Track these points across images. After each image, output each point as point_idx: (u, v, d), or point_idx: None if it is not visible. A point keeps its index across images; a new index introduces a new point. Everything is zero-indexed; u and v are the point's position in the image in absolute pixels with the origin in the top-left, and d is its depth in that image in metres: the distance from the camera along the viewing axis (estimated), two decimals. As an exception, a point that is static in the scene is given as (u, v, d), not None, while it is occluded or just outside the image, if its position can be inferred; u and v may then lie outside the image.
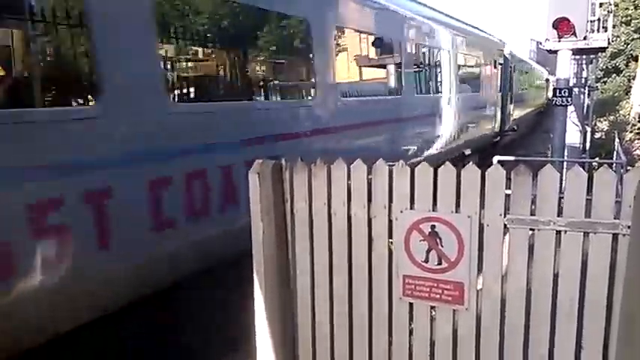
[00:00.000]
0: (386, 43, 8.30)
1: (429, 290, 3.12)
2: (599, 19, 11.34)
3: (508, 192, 2.91)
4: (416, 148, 9.23)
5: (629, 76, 32.96)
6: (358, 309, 3.32)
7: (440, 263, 3.07)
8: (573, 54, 11.12)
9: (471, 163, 2.98)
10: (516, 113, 19.15)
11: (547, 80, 31.06)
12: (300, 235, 3.40)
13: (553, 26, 10.24)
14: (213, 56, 5.32)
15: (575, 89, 12.67)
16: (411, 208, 3.09)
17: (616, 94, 32.97)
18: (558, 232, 2.81)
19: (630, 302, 2.63)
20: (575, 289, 2.82)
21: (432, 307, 3.15)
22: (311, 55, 6.12)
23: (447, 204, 3.01)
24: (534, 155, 14.97)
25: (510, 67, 17.32)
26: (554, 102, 10.88)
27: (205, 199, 4.46)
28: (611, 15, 12.47)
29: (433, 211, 3.04)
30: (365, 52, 8.17)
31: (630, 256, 2.62)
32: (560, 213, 2.81)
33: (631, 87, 31.63)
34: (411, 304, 3.20)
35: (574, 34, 10.26)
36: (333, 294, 3.38)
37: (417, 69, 9.36)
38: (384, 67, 8.56)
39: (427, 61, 10.14)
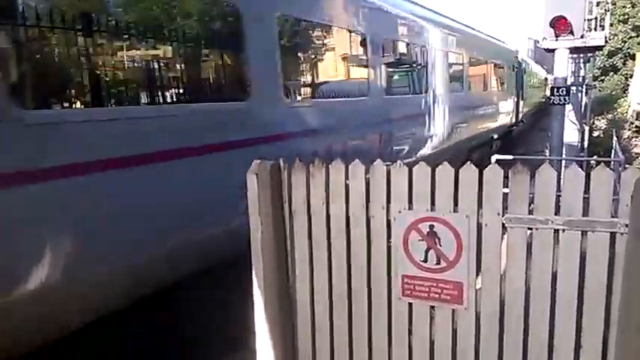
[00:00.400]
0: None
1: (428, 290, 3.13)
2: (596, 18, 11.37)
3: (506, 191, 2.91)
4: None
5: (627, 74, 33.01)
6: (357, 309, 3.32)
7: (439, 263, 3.07)
8: (570, 52, 11.12)
9: (468, 162, 2.98)
10: (525, 109, 21.93)
11: (545, 79, 31.18)
12: (298, 235, 3.40)
13: (550, 25, 10.25)
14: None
15: (573, 88, 12.70)
16: (410, 208, 3.10)
17: (614, 93, 33.02)
18: (556, 231, 2.82)
19: (629, 300, 2.64)
20: (574, 288, 2.82)
21: (432, 307, 3.16)
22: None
23: (445, 204, 3.01)
24: (532, 154, 15.01)
25: (522, 70, 20.81)
26: (551, 101, 10.89)
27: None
28: (609, 13, 12.49)
29: (431, 210, 3.05)
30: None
31: (628, 255, 2.63)
32: (558, 212, 2.82)
33: (628, 85, 31.68)
34: (410, 304, 3.20)
35: (571, 32, 10.26)
36: (333, 294, 3.38)
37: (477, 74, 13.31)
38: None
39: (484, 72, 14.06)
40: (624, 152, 14.48)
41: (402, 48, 8.86)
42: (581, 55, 13.20)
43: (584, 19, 10.66)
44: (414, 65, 9.24)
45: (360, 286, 3.29)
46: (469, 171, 2.95)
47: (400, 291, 3.19)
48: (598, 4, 11.59)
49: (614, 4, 24.06)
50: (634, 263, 2.59)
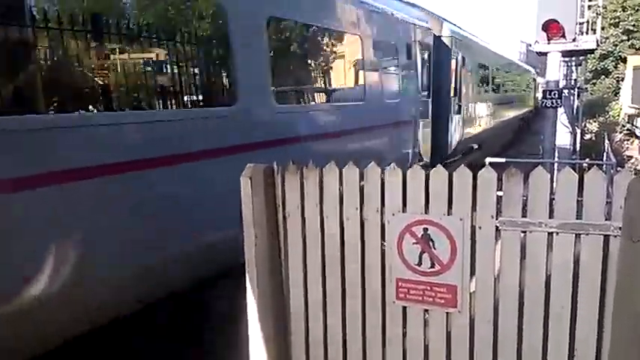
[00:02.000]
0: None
1: (422, 293, 3.12)
2: (587, 21, 11.44)
3: (500, 194, 2.91)
4: None
5: (618, 77, 33.26)
6: (352, 313, 3.31)
7: (433, 266, 3.07)
8: (563, 56, 11.20)
9: (462, 165, 2.98)
10: (470, 133, 13.25)
11: (534, 80, 30.61)
12: (292, 238, 3.39)
13: (542, 28, 10.32)
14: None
15: (565, 91, 12.76)
16: (403, 211, 3.09)
17: (605, 96, 33.25)
18: (550, 234, 2.82)
19: (622, 303, 2.64)
20: (568, 291, 2.82)
21: (426, 310, 3.15)
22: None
23: (438, 207, 3.01)
24: (525, 157, 15.04)
25: (459, 63, 12.09)
26: (544, 104, 10.95)
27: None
28: (600, 17, 12.58)
29: (425, 213, 3.04)
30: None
31: (621, 258, 2.63)
32: (551, 215, 2.82)
33: (620, 88, 31.93)
34: (404, 308, 3.19)
35: (563, 36, 10.34)
36: (326, 298, 3.37)
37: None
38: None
39: None
40: (616, 155, 14.56)
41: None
42: (573, 59, 13.26)
43: (576, 23, 10.74)
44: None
45: (354, 290, 3.28)
46: (463, 174, 2.95)
47: (394, 294, 3.18)
48: (589, 7, 11.67)
49: (605, 7, 24.20)
50: (627, 265, 2.60)
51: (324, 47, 7.19)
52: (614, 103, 30.86)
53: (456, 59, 11.66)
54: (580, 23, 11.03)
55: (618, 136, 23.57)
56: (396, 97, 8.55)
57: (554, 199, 2.82)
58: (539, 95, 17.97)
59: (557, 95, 10.70)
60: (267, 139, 5.34)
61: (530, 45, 11.97)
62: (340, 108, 7.22)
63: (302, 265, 3.39)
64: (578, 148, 14.49)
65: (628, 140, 22.98)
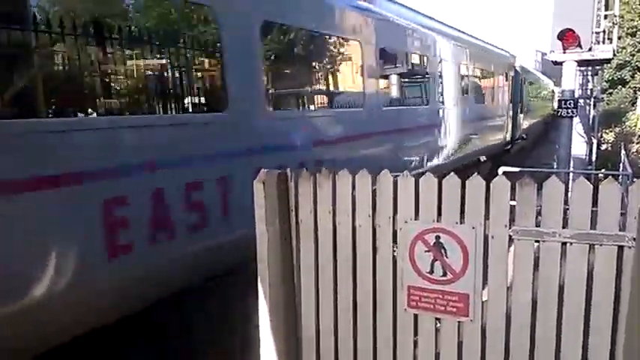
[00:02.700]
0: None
1: (433, 301, 3.11)
2: (604, 31, 11.39)
3: (513, 203, 2.91)
4: None
5: (635, 87, 32.88)
6: (363, 319, 3.31)
7: (445, 274, 3.06)
8: (578, 65, 11.14)
9: (475, 174, 2.98)
10: (527, 123, 21.46)
11: (552, 91, 31.01)
12: (304, 244, 3.40)
13: (558, 37, 10.29)
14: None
15: (581, 100, 12.67)
16: (416, 219, 3.09)
17: (622, 106, 32.88)
18: (564, 244, 2.81)
19: (637, 315, 2.61)
20: (581, 301, 2.80)
21: (437, 319, 3.14)
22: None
23: (451, 215, 3.01)
24: (540, 166, 14.92)
25: (522, 80, 19.48)
26: (559, 113, 10.88)
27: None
28: (617, 27, 12.49)
29: (438, 221, 3.04)
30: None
31: (636, 269, 2.61)
32: (565, 224, 2.80)
33: (637, 98, 31.56)
34: (415, 316, 3.19)
35: (579, 45, 10.29)
36: (338, 304, 3.37)
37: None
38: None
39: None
40: (632, 166, 14.37)
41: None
42: (589, 68, 13.19)
43: (592, 32, 10.70)
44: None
45: (365, 297, 3.28)
46: (476, 182, 2.94)
47: (405, 302, 3.17)
48: (606, 17, 11.61)
49: (622, 17, 23.99)
50: (642, 277, 2.58)
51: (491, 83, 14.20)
52: (630, 113, 30.52)
53: (522, 79, 18.19)
54: (596, 32, 10.99)
55: (635, 147, 23.27)
56: (504, 101, 15.42)
57: (568, 208, 2.81)
58: (555, 104, 19.11)
59: (572, 105, 10.63)
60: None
61: (546, 54, 11.90)
62: (475, 110, 12.08)
63: (314, 271, 3.40)
64: (594, 159, 14.37)
65: (645, 151, 22.68)
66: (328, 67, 6.95)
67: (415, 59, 8.86)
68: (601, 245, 2.73)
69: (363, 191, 3.22)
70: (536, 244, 2.88)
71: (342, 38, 6.78)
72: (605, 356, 2.79)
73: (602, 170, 12.99)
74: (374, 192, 3.20)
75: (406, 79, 8.48)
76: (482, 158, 12.72)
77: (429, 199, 3.05)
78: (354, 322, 3.34)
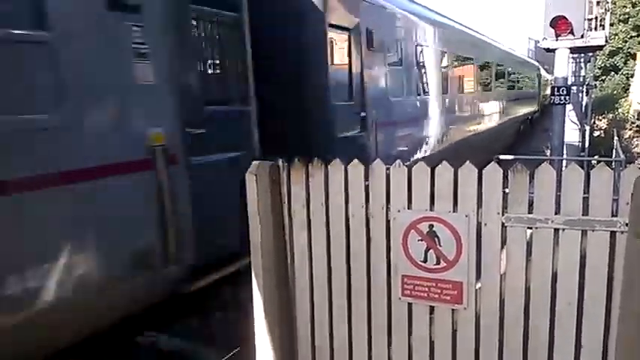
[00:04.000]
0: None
1: (427, 290, 3.12)
2: (596, 18, 11.36)
3: (506, 190, 2.90)
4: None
5: (628, 74, 32.93)
6: (357, 309, 3.31)
7: (438, 263, 3.06)
8: (571, 52, 11.13)
9: (467, 162, 2.97)
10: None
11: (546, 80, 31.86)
12: (297, 236, 3.40)
13: (550, 25, 10.26)
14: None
15: (574, 88, 12.68)
16: (409, 208, 3.09)
17: (615, 92, 32.95)
18: (556, 230, 2.81)
19: (629, 300, 2.62)
20: (574, 287, 2.81)
21: (431, 307, 3.15)
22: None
23: (444, 203, 3.00)
24: (533, 154, 14.96)
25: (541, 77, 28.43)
26: (552, 101, 10.88)
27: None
28: (609, 13, 12.48)
29: (431, 210, 3.04)
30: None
31: (628, 254, 2.62)
32: (558, 211, 2.80)
33: (630, 85, 31.62)
34: (410, 304, 3.19)
35: (571, 32, 10.27)
36: (332, 295, 3.37)
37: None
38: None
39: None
40: (625, 152, 14.44)
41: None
42: (582, 55, 13.19)
43: (585, 19, 10.67)
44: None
45: (359, 287, 3.28)
46: (468, 170, 2.94)
47: (400, 291, 3.18)
48: (598, 3, 11.58)
49: (614, 3, 24.02)
50: (634, 262, 2.58)
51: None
52: (623, 100, 30.59)
53: (540, 79, 27.23)
54: (588, 19, 10.95)
55: (628, 133, 23.36)
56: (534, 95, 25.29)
57: (560, 195, 2.81)
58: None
59: (565, 92, 10.64)
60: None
61: (539, 42, 11.88)
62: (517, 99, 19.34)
63: (308, 261, 3.39)
64: (587, 145, 14.41)
65: (638, 137, 22.78)
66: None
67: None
68: (593, 231, 2.73)
69: (356, 181, 3.21)
70: (529, 231, 2.88)
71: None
72: (598, 342, 2.81)
73: (596, 157, 13.06)
74: (366, 182, 3.19)
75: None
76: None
77: (422, 188, 3.04)
78: (349, 311, 3.34)
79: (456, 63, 11.31)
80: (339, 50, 6.26)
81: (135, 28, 3.83)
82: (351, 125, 6.51)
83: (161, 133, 3.95)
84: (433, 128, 9.70)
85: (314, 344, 3.47)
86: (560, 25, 10.20)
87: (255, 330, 3.47)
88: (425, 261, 3.09)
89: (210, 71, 4.95)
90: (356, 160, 3.21)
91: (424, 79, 9.34)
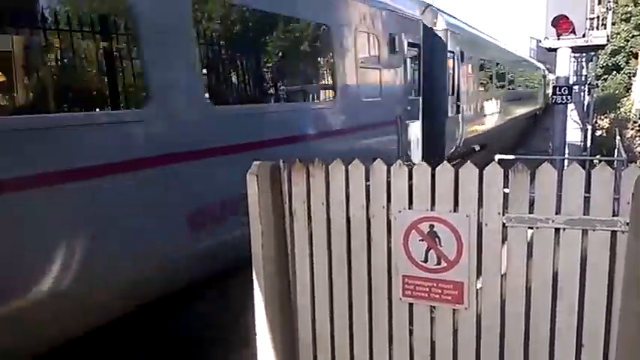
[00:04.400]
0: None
1: (428, 290, 3.11)
2: (598, 17, 11.34)
3: (507, 190, 2.90)
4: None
5: (630, 73, 32.92)
6: (358, 310, 3.31)
7: (439, 263, 3.06)
8: (573, 51, 11.11)
9: (468, 162, 2.97)
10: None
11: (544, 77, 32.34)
12: (299, 235, 3.40)
13: (552, 24, 10.25)
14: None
15: (575, 87, 12.66)
16: (409, 208, 3.09)
17: (617, 92, 32.93)
18: (557, 230, 2.81)
19: (630, 299, 2.62)
20: (575, 287, 2.81)
21: (432, 307, 3.15)
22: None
23: (445, 203, 3.00)
24: (535, 154, 14.94)
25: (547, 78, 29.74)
26: (553, 100, 10.86)
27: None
28: (611, 12, 12.46)
29: (431, 210, 3.04)
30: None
31: (629, 253, 2.61)
32: (558, 211, 2.80)
33: (632, 84, 31.60)
34: (410, 305, 3.19)
35: (573, 31, 10.25)
36: (333, 295, 3.37)
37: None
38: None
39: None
40: (627, 151, 14.43)
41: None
42: (584, 54, 13.18)
43: (586, 18, 10.65)
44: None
45: (360, 287, 3.28)
46: (469, 170, 2.94)
47: (401, 291, 3.18)
48: (600, 2, 11.56)
49: (616, 2, 23.98)
50: (635, 261, 2.58)
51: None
52: (625, 99, 30.56)
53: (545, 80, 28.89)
54: (590, 18, 10.93)
55: (630, 133, 23.33)
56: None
57: (561, 195, 2.81)
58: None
59: (567, 91, 10.61)
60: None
61: (541, 41, 11.86)
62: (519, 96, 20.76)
63: (308, 262, 3.39)
64: (589, 145, 14.39)
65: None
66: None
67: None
68: (594, 231, 2.73)
69: (357, 181, 3.21)
70: (530, 230, 2.88)
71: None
72: (599, 340, 2.80)
73: (598, 156, 13.03)
74: (367, 182, 3.19)
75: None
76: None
77: (423, 188, 3.04)
78: (350, 312, 3.34)
79: (497, 69, 16.01)
80: (450, 65, 10.67)
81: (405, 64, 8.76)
82: (453, 108, 10.91)
83: (400, 109, 8.42)
84: (494, 113, 15.25)
85: (315, 344, 3.47)
86: (561, 24, 10.19)
87: (256, 330, 3.47)
88: (426, 261, 3.09)
89: (409, 80, 9.19)
90: (356, 160, 3.21)
91: (491, 80, 15.22)
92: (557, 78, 11.15)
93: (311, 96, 6.98)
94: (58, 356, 3.66)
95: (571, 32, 10.27)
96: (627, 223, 2.63)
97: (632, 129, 23.96)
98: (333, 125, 6.62)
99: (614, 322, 2.74)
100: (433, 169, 3.01)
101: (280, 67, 6.42)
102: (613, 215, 2.70)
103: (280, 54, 6.19)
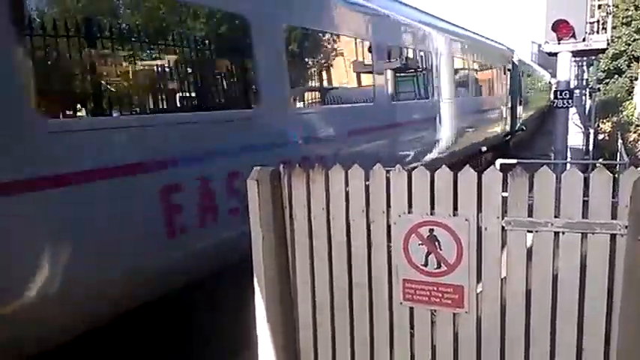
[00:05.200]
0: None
1: (428, 294, 3.12)
2: (598, 21, 11.36)
3: (506, 195, 2.91)
4: None
5: (632, 76, 32.92)
6: (359, 314, 3.32)
7: (439, 267, 3.07)
8: (573, 56, 11.12)
9: (467, 166, 2.98)
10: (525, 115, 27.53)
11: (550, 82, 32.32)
12: (299, 241, 3.41)
13: (552, 28, 10.26)
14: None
15: (577, 91, 12.66)
16: (409, 213, 3.10)
17: (618, 95, 32.91)
18: (556, 234, 2.82)
19: (630, 302, 2.63)
20: (575, 290, 2.81)
21: (432, 311, 3.15)
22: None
23: (444, 207, 3.01)
24: (537, 158, 14.92)
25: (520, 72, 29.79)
26: (555, 104, 10.87)
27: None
28: (611, 16, 12.48)
29: (431, 214, 3.05)
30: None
31: (628, 256, 2.62)
32: (557, 214, 2.81)
33: (633, 88, 31.58)
34: (411, 309, 3.20)
35: (573, 35, 10.27)
36: (334, 299, 3.38)
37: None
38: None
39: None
40: (630, 155, 14.41)
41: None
42: (584, 58, 13.19)
43: (586, 22, 10.66)
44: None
45: (361, 291, 3.29)
46: (468, 175, 2.95)
47: (401, 296, 3.19)
48: (600, 6, 11.58)
49: (616, 6, 24.01)
50: (634, 264, 2.59)
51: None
52: (627, 102, 30.53)
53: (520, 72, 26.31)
54: (590, 23, 10.95)
55: (632, 136, 23.30)
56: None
57: (560, 198, 2.81)
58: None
59: (568, 95, 10.62)
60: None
61: (542, 45, 11.89)
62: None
63: (309, 266, 3.40)
64: (591, 149, 14.38)
65: (642, 140, 22.70)
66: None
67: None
68: (593, 234, 2.74)
69: (357, 186, 3.22)
70: (529, 234, 2.89)
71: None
72: (600, 343, 2.81)
73: (600, 160, 13.01)
74: (367, 187, 3.21)
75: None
76: (484, 148, 14.05)
77: (422, 193, 3.06)
78: (351, 317, 3.35)
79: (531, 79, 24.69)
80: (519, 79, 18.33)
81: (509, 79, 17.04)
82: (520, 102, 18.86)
83: (506, 100, 16.71)
84: (532, 106, 24.39)
85: (316, 348, 3.48)
86: (561, 28, 10.20)
87: (257, 334, 3.48)
88: (426, 265, 3.10)
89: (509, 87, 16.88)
90: (356, 165, 3.23)
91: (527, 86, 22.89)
92: (558, 82, 11.15)
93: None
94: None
95: (571, 36, 10.28)
96: (626, 227, 2.64)
97: (635, 132, 23.93)
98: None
99: (614, 326, 2.75)
100: (432, 174, 3.02)
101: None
102: (612, 218, 2.71)
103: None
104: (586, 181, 2.75)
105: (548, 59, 13.83)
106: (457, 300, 3.05)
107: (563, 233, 2.80)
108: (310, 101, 6.78)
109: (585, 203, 2.77)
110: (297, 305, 3.48)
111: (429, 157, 9.48)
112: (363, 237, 3.24)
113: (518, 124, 18.58)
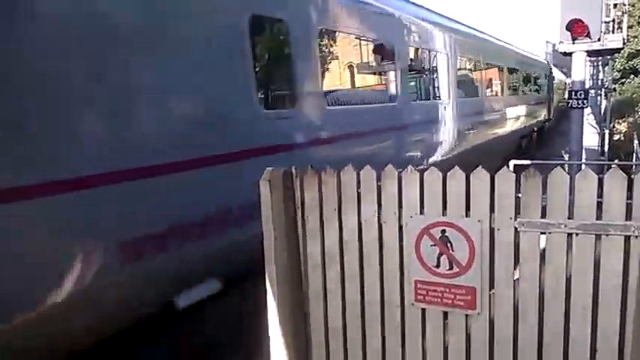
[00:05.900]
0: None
1: (441, 295, 3.12)
2: (613, 20, 11.23)
3: (519, 195, 2.90)
4: None
5: (648, 76, 32.41)
6: (371, 315, 3.33)
7: (451, 268, 3.07)
8: (588, 55, 11.01)
9: (479, 167, 2.97)
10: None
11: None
12: (311, 241, 3.42)
13: (567, 28, 10.16)
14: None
15: (592, 91, 12.53)
16: (421, 214, 3.10)
17: (634, 95, 32.45)
18: (570, 235, 2.80)
19: (644, 304, 2.60)
20: (588, 292, 2.79)
21: (445, 312, 3.15)
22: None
23: (456, 208, 3.01)
24: (552, 158, 14.79)
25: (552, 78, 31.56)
26: (570, 104, 10.76)
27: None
28: (626, 15, 12.33)
29: (443, 215, 3.04)
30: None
31: (643, 258, 2.60)
32: (571, 215, 2.79)
33: (650, 87, 31.09)
34: (423, 310, 3.19)
35: (588, 35, 10.16)
36: (346, 300, 3.39)
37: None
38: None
39: None
40: (646, 155, 14.20)
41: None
42: (600, 58, 13.04)
43: (602, 22, 10.54)
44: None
45: (372, 292, 3.29)
46: (481, 175, 2.94)
47: (413, 296, 3.18)
48: (615, 5, 11.44)
49: (632, 5, 23.72)
50: (649, 266, 2.56)
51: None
52: (644, 102, 30.08)
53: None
54: (605, 22, 10.82)
55: (649, 137, 22.97)
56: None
57: (574, 199, 2.79)
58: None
59: (583, 95, 10.51)
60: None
61: (556, 45, 11.76)
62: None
63: (321, 267, 3.41)
64: (606, 149, 14.22)
65: (659, 140, 22.37)
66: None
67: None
68: (607, 235, 2.71)
69: (369, 187, 3.23)
70: (542, 235, 2.87)
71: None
72: (614, 346, 2.78)
73: (616, 161, 12.86)
74: (379, 188, 3.21)
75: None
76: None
77: (434, 194, 3.05)
78: (362, 318, 3.35)
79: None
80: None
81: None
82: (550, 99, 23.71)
83: (547, 98, 22.73)
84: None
85: (328, 349, 3.49)
86: (576, 28, 10.09)
87: (270, 335, 3.50)
88: (438, 266, 3.09)
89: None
90: (368, 166, 3.23)
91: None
92: (573, 82, 11.04)
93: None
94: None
95: (586, 36, 10.17)
96: (640, 228, 2.61)
97: (651, 133, 23.59)
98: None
99: (629, 327, 2.72)
100: (444, 175, 3.02)
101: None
102: (626, 220, 2.69)
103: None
104: (600, 182, 2.73)
105: (563, 59, 13.70)
106: (469, 301, 3.04)
107: (576, 235, 2.78)
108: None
109: (599, 204, 2.75)
110: (309, 307, 3.49)
111: (511, 127, 15.17)
112: (374, 238, 3.24)
113: (552, 112, 25.31)
